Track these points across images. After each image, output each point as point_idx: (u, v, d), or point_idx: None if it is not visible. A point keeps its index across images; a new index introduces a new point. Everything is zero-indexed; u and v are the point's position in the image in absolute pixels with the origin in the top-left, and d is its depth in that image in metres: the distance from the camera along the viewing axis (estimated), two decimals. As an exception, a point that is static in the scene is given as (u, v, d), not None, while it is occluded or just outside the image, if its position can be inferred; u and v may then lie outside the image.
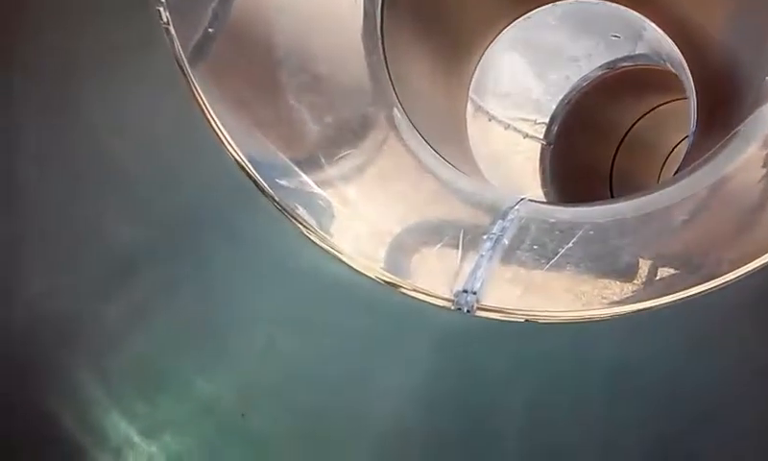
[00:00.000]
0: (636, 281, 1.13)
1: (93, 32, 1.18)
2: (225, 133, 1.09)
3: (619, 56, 2.20)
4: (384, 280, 1.12)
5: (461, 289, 1.10)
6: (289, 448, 1.16)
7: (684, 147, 2.18)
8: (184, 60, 1.09)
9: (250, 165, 1.10)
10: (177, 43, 1.08)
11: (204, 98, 1.10)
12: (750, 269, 1.01)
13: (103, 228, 1.20)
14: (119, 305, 1.19)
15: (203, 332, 1.17)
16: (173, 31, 1.08)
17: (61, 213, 1.22)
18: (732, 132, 1.32)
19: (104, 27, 1.17)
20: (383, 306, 1.14)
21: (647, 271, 1.15)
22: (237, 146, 1.10)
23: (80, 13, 1.20)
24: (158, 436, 1.16)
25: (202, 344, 1.17)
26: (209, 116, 1.09)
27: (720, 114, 1.59)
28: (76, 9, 1.20)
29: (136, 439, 1.16)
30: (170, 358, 1.17)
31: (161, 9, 1.07)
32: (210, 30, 1.20)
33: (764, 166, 1.20)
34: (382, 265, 1.16)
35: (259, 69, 1.25)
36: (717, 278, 1.03)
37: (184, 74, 1.08)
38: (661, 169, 2.50)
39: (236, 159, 1.10)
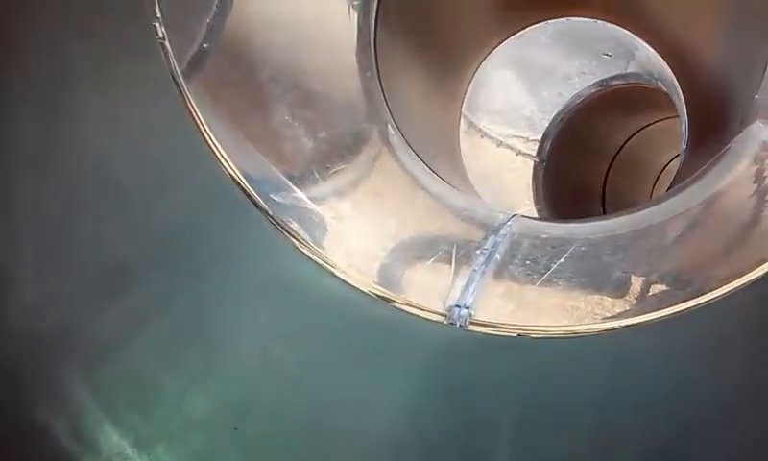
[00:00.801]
0: (627, 297, 1.13)
1: (90, 39, 1.18)
2: (219, 147, 1.10)
3: (611, 74, 2.22)
4: (377, 295, 1.13)
5: (454, 304, 1.10)
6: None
7: (675, 165, 2.20)
8: (179, 75, 1.09)
9: (244, 179, 1.11)
10: (172, 59, 1.09)
11: (198, 113, 1.10)
12: (740, 285, 1.02)
13: (97, 238, 1.20)
14: (113, 316, 1.18)
15: (196, 344, 1.16)
16: (168, 46, 1.08)
17: (56, 222, 1.22)
18: (723, 149, 1.33)
19: (101, 34, 1.18)
20: (376, 321, 1.14)
21: (639, 287, 1.15)
22: (231, 160, 1.10)
23: (77, 21, 1.20)
24: (151, 448, 1.15)
25: (195, 356, 1.16)
26: (204, 131, 1.10)
27: (711, 132, 1.61)
28: (73, 16, 1.20)
29: (129, 451, 1.15)
30: (163, 370, 1.16)
31: (157, 24, 1.07)
32: (205, 45, 1.21)
33: (755, 182, 1.21)
34: (375, 279, 1.16)
35: (253, 84, 1.25)
36: (708, 293, 1.04)
37: (179, 89, 1.08)
38: (653, 186, 2.51)
39: (230, 174, 1.10)
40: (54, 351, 1.19)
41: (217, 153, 1.10)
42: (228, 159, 1.10)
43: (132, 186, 1.18)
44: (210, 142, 1.10)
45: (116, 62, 1.16)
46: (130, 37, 1.16)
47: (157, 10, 1.07)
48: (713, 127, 1.60)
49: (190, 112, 1.09)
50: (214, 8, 1.23)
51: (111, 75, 1.17)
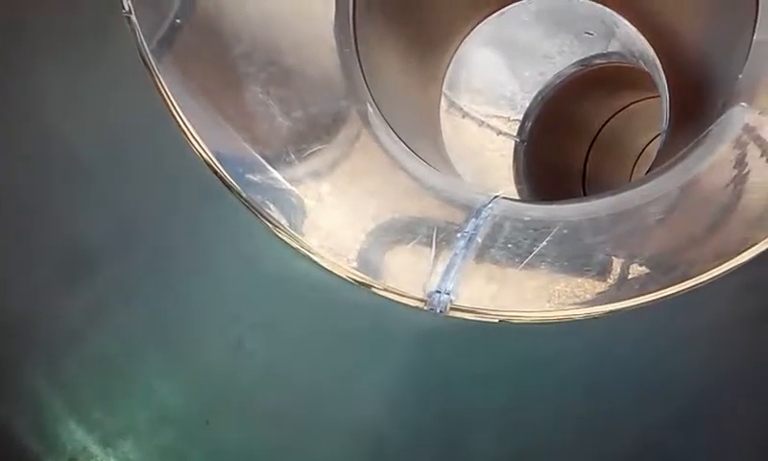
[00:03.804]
0: (609, 281, 1.12)
1: (50, 11, 1.13)
2: (190, 126, 1.06)
3: (593, 53, 2.20)
4: (356, 281, 1.10)
5: (434, 289, 1.08)
6: (256, 456, 1.12)
7: (655, 145, 2.20)
8: (148, 51, 1.05)
9: (216, 161, 1.07)
10: (140, 33, 1.04)
11: (168, 90, 1.06)
12: (723, 271, 1.01)
13: (60, 221, 1.15)
14: (76, 304, 1.14)
15: (165, 334, 1.13)
16: (135, 20, 1.04)
17: (16, 205, 1.17)
18: (705, 131, 1.32)
19: (62, 6, 1.12)
20: (355, 307, 1.12)
21: (621, 270, 1.15)
22: (203, 140, 1.06)
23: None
24: (117, 444, 1.11)
25: (164, 346, 1.12)
26: (173, 109, 1.05)
27: (692, 113, 1.60)
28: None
29: (93, 448, 1.11)
30: (130, 361, 1.12)
31: (123, -3, 1.02)
32: (178, 21, 1.16)
33: (735, 167, 1.20)
34: (354, 264, 1.14)
35: (226, 61, 1.21)
36: (690, 279, 1.03)
37: (147, 65, 1.04)
38: (633, 167, 2.51)
39: (201, 154, 1.06)
40: (13, 341, 1.15)
41: (188, 132, 1.06)
42: (199, 139, 1.06)
43: (97, 168, 1.14)
44: (181, 121, 1.06)
45: (81, 36, 1.11)
46: (95, 10, 1.10)
47: (123, -19, 1.02)
48: (695, 107, 1.59)
49: (159, 90, 1.05)
50: (187, -19, 1.18)
51: (76, 49, 1.11)
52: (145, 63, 1.05)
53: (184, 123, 1.06)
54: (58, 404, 1.12)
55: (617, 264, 1.15)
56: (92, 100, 1.13)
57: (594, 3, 2.02)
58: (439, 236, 1.17)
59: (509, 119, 2.26)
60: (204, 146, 1.07)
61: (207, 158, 1.07)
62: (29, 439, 1.14)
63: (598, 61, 2.19)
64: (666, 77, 1.88)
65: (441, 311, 1.06)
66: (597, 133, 2.48)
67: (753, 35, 1.31)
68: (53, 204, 1.15)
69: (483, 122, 2.22)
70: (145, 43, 1.05)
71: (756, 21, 1.33)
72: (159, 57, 1.10)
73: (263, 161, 1.17)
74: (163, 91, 1.06)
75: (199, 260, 1.13)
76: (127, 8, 1.03)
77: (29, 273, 1.16)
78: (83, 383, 1.13)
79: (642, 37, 1.96)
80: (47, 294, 1.15)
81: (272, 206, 1.13)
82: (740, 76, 1.31)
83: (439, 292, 1.07)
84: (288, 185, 1.19)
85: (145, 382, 1.11)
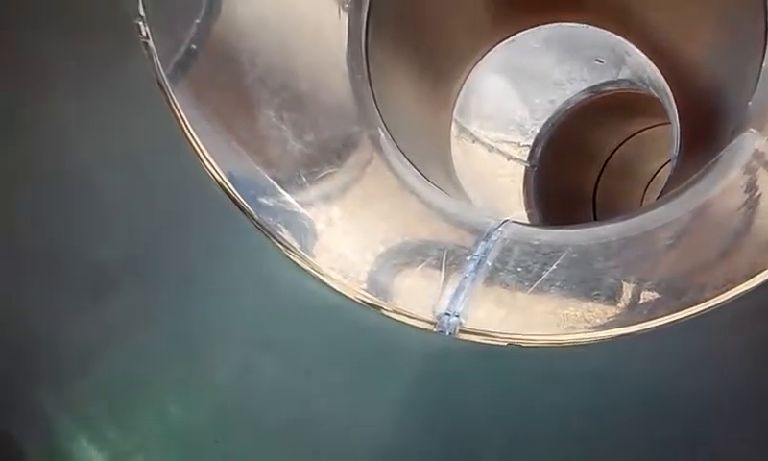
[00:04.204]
0: (619, 306, 1.12)
1: (69, 37, 1.15)
2: (204, 150, 1.08)
3: (603, 80, 2.22)
4: (366, 302, 1.11)
5: (443, 312, 1.08)
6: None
7: (666, 171, 2.20)
8: (164, 76, 1.07)
9: (229, 184, 1.08)
10: (156, 59, 1.06)
11: (183, 114, 1.08)
12: (732, 296, 1.01)
13: (76, 243, 1.17)
14: (89, 325, 1.15)
15: (176, 354, 1.13)
16: (152, 45, 1.06)
17: (33, 228, 1.19)
18: (715, 157, 1.32)
19: (81, 33, 1.15)
20: (365, 329, 1.12)
21: (631, 295, 1.14)
22: (217, 163, 1.08)
23: (54, 17, 1.16)
24: (127, 463, 1.12)
25: (175, 366, 1.13)
26: (189, 134, 1.07)
27: (703, 139, 1.60)
28: (50, 14, 1.17)
29: (104, 467, 1.11)
30: (142, 381, 1.13)
31: (141, 23, 1.05)
32: (193, 46, 1.19)
33: (746, 192, 1.20)
34: (364, 286, 1.14)
35: (240, 86, 1.23)
36: (700, 304, 1.03)
37: (163, 89, 1.06)
38: (644, 193, 2.51)
39: (215, 177, 1.08)
40: (27, 362, 1.16)
41: (202, 156, 1.08)
42: (213, 162, 1.08)
43: (113, 191, 1.15)
44: (195, 144, 1.08)
45: (99, 61, 1.13)
46: (112, 36, 1.13)
47: (141, 8, 1.04)
48: (705, 134, 1.59)
49: (174, 114, 1.07)
50: (203, 7, 1.21)
51: (94, 74, 1.14)
52: (161, 88, 1.07)
53: (199, 146, 1.08)
54: (69, 423, 1.13)
55: (627, 288, 1.15)
56: (110, 126, 1.15)
57: (604, 31, 2.04)
58: (449, 259, 1.18)
59: (519, 144, 2.28)
60: (217, 169, 1.09)
61: (221, 181, 1.09)
62: (40, 458, 1.15)
63: (608, 88, 2.20)
64: (677, 104, 1.88)
65: (450, 333, 1.06)
66: (607, 159, 2.49)
67: (762, 62, 1.32)
68: (70, 227, 1.17)
69: (493, 147, 2.23)
70: (161, 68, 1.08)
71: (765, 49, 1.33)
72: (175, 81, 1.12)
73: (275, 184, 1.18)
74: (178, 115, 1.08)
75: (211, 282, 1.14)
76: (144, 33, 1.06)
77: (45, 294, 1.17)
78: (95, 402, 1.14)
79: (653, 65, 1.97)
80: (62, 315, 1.16)
81: (284, 228, 1.14)
82: (750, 102, 1.32)
83: (448, 314, 1.08)
84: (300, 208, 1.20)
85: (156, 402, 1.12)
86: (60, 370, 1.15)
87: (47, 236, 1.16)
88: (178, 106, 1.08)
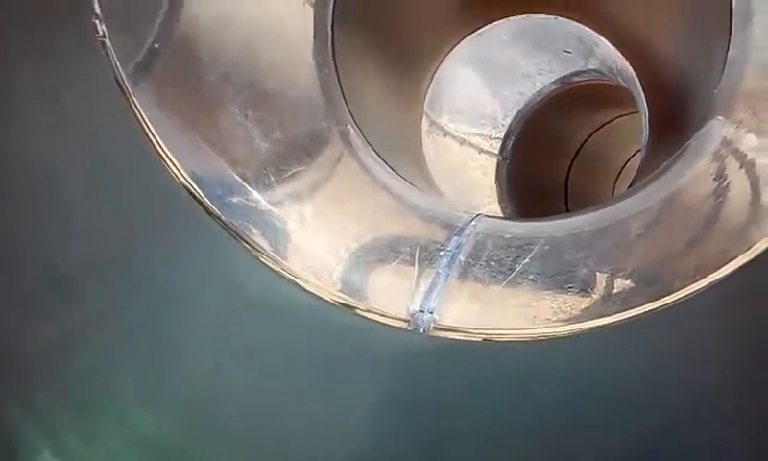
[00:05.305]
0: (593, 296, 1.12)
1: (26, 32, 1.11)
2: (167, 151, 1.05)
3: (572, 71, 2.22)
4: (338, 302, 1.09)
5: (417, 309, 1.07)
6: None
7: (636, 160, 2.21)
8: (123, 75, 1.04)
9: (194, 184, 1.05)
10: (114, 58, 1.03)
11: (145, 115, 1.05)
12: (706, 283, 1.01)
13: (36, 244, 1.13)
14: (52, 331, 1.11)
15: (143, 361, 1.10)
16: (110, 45, 1.03)
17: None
18: (684, 146, 1.33)
19: (39, 27, 1.11)
20: (337, 329, 1.11)
21: (604, 285, 1.14)
22: (181, 165, 1.05)
23: (12, 15, 1.13)
24: (92, 474, 1.09)
25: (142, 373, 1.10)
26: (151, 134, 1.04)
27: (671, 128, 1.61)
28: (8, 9, 1.13)
29: (68, 479, 1.08)
30: (107, 389, 1.10)
31: (97, 21, 1.01)
32: (156, 45, 1.15)
33: (715, 180, 1.21)
34: (337, 286, 1.12)
35: (204, 84, 1.20)
36: (672, 293, 1.03)
37: (122, 88, 1.03)
38: (615, 182, 2.53)
39: (180, 179, 1.05)
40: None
41: (165, 156, 1.05)
42: (176, 163, 1.05)
43: (73, 191, 1.12)
44: (157, 145, 1.05)
45: (59, 56, 1.10)
46: (72, 33, 1.09)
47: (96, 6, 1.01)
48: (673, 123, 1.60)
49: (135, 114, 1.04)
50: (165, 4, 1.18)
51: (53, 71, 1.10)
52: (119, 86, 1.04)
53: (161, 146, 1.05)
54: (32, 434, 1.09)
55: (601, 279, 1.15)
56: (72, 125, 1.12)
57: (572, 21, 2.04)
58: (421, 255, 1.17)
59: (490, 137, 2.27)
60: (181, 170, 1.06)
61: (185, 182, 1.06)
62: (3, 468, 1.11)
63: (577, 79, 2.21)
64: (645, 93, 1.89)
65: (424, 331, 1.05)
66: (578, 150, 2.50)
67: (728, 50, 1.33)
68: (28, 229, 1.13)
69: (464, 140, 2.23)
70: (120, 68, 1.04)
71: (730, 37, 1.34)
72: (137, 81, 1.09)
73: (243, 183, 1.16)
74: (139, 116, 1.05)
75: (178, 285, 1.12)
76: (101, 32, 1.02)
77: (4, 299, 1.13)
78: (57, 412, 1.10)
79: (621, 55, 1.98)
80: (22, 319, 1.12)
81: (253, 229, 1.12)
82: (716, 91, 1.33)
83: (422, 311, 1.06)
84: (269, 207, 1.18)
85: (122, 410, 1.09)
86: (22, 378, 1.12)
87: (7, 239, 1.13)
88: (138, 106, 1.05)
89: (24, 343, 1.11)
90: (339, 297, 1.09)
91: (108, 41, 1.02)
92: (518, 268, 1.15)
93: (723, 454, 1.02)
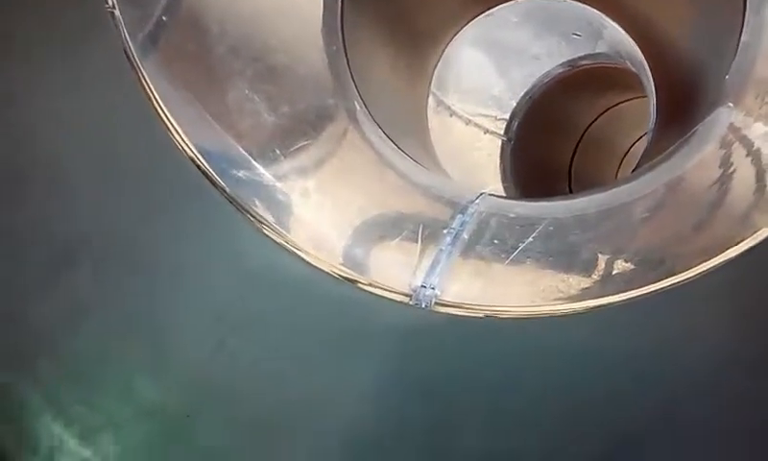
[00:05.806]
0: (595, 277, 1.12)
1: (31, 11, 1.12)
2: (174, 123, 1.05)
3: (580, 54, 2.21)
4: (341, 276, 1.10)
5: (420, 284, 1.08)
6: (237, 452, 1.11)
7: (641, 145, 2.20)
8: (131, 47, 1.04)
9: (200, 157, 1.06)
10: (123, 30, 1.03)
11: (153, 87, 1.05)
12: (708, 267, 1.01)
13: (40, 219, 1.14)
14: (56, 301, 1.12)
15: (146, 331, 1.12)
16: (119, 15, 1.03)
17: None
18: (691, 131, 1.32)
19: (44, 6, 1.11)
20: (340, 303, 1.11)
21: (606, 266, 1.15)
22: (187, 137, 1.06)
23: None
24: (95, 439, 1.10)
25: (145, 343, 1.11)
26: (158, 106, 1.05)
27: (679, 113, 1.61)
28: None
29: (71, 443, 1.09)
30: (110, 357, 1.11)
31: (106, -8, 1.01)
32: (164, 18, 1.15)
33: (721, 166, 1.21)
34: (339, 260, 1.13)
35: (211, 57, 1.20)
36: (675, 275, 1.03)
37: (130, 60, 1.03)
38: (619, 166, 2.52)
39: (186, 151, 1.06)
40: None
41: (172, 129, 1.05)
42: (183, 136, 1.06)
43: (78, 166, 1.13)
44: (165, 117, 1.05)
45: (63, 34, 1.10)
46: (82, 8, 1.09)
47: (106, -24, 1.01)
48: (682, 108, 1.60)
49: (143, 86, 1.04)
50: (173, -22, 1.17)
51: (57, 48, 1.10)
52: (129, 59, 1.04)
53: (168, 119, 1.06)
54: (35, 400, 1.10)
55: (603, 260, 1.15)
56: (74, 95, 1.12)
57: (582, 4, 2.03)
58: (425, 232, 1.17)
59: (496, 118, 2.27)
60: (188, 142, 1.06)
61: (192, 154, 1.06)
62: (3, 436, 1.12)
63: (585, 62, 2.20)
64: (653, 77, 1.88)
65: (426, 306, 1.06)
66: (584, 133, 2.49)
67: (740, 35, 1.32)
68: (34, 202, 1.14)
69: (470, 121, 2.22)
70: (129, 39, 1.04)
71: (743, 22, 1.33)
72: (145, 54, 1.09)
73: (248, 157, 1.16)
74: (147, 87, 1.05)
75: (182, 258, 1.12)
76: (110, 3, 1.02)
77: (10, 273, 1.14)
78: (60, 379, 1.11)
79: (630, 38, 1.97)
80: (26, 292, 1.13)
81: (257, 202, 1.12)
82: (727, 77, 1.32)
83: (424, 287, 1.07)
84: (274, 181, 1.18)
85: (125, 378, 1.10)
86: (26, 348, 1.13)
87: (12, 214, 1.14)
88: (146, 78, 1.05)
89: (29, 314, 1.13)
90: (341, 270, 1.10)
91: (117, 12, 1.02)
92: (521, 247, 1.15)
93: (727, 435, 1.02)
